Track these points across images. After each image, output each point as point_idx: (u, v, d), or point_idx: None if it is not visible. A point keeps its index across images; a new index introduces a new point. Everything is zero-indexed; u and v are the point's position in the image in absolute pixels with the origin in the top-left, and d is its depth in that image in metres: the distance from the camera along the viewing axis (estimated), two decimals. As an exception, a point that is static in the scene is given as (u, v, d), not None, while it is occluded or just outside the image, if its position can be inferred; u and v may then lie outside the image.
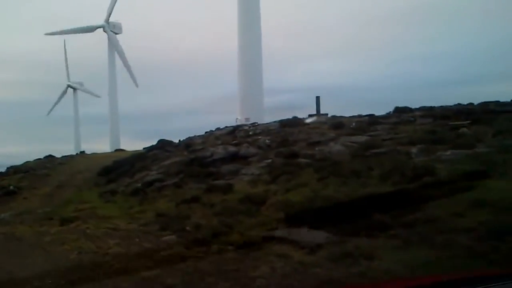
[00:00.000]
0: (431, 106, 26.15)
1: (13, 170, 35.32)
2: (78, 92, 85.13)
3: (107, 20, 67.23)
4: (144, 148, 47.66)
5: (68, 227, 13.03)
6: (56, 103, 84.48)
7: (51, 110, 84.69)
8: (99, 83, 71.72)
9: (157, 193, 18.99)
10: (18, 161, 43.08)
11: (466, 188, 9.67)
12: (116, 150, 51.90)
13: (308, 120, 26.37)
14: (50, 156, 42.53)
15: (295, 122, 26.39)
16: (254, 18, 41.12)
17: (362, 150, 17.25)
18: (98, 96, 79.96)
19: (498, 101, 25.18)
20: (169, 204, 15.82)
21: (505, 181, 10.16)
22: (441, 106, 26.11)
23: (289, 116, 28.60)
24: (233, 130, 27.52)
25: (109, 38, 67.95)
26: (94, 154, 46.86)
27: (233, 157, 21.99)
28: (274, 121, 27.88)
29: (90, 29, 68.67)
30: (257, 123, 28.58)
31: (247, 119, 37.05)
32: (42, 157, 42.92)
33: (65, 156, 42.94)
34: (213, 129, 31.93)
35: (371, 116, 25.54)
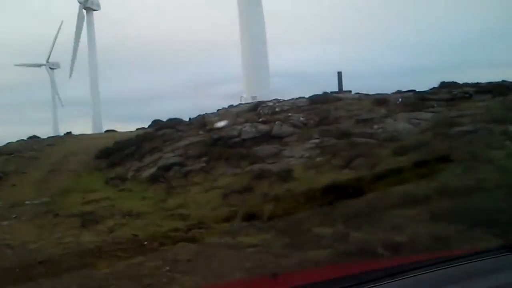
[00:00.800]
0: (477, 82, 23.18)
1: (-5, 152, 31.15)
2: (56, 72, 79.35)
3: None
4: (137, 129, 44.20)
5: (96, 230, 9.40)
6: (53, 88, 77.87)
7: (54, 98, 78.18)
8: (79, 64, 66.47)
9: (182, 179, 15.61)
10: (-4, 144, 38.65)
11: None
12: (107, 131, 47.98)
13: (343, 96, 23.08)
14: (35, 136, 38.36)
15: (326, 98, 23.06)
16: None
17: (442, 128, 14.07)
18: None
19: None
20: (209, 195, 12.45)
21: None
22: (489, 82, 23.17)
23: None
24: (255, 107, 24.04)
25: (87, 15, 62.99)
26: (82, 135, 42.94)
27: (265, 137, 18.67)
28: (302, 97, 24.51)
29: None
30: (280, 99, 25.16)
31: (253, 98, 33.95)
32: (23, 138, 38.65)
33: (52, 137, 38.83)
34: (226, 106, 28.47)
35: (413, 91, 22.42)
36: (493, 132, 13.16)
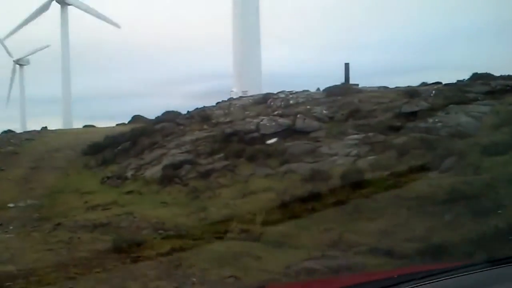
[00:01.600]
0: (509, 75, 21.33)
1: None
2: (25, 69, 74.93)
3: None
4: (117, 125, 41.21)
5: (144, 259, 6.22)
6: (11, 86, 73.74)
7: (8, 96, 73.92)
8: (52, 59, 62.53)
9: (200, 180, 13.05)
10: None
11: None
12: (85, 126, 44.85)
13: (363, 88, 20.87)
14: (10, 131, 35.06)
15: (344, 90, 20.77)
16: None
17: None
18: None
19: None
20: (252, 201, 9.92)
21: None
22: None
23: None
24: (264, 99, 21.58)
25: (61, 10, 59.31)
26: (61, 130, 39.84)
27: (288, 132, 16.31)
28: (317, 89, 22.19)
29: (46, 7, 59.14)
30: (292, 90, 22.74)
31: (244, 92, 31.81)
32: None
33: (28, 131, 35.52)
34: (225, 99, 26.02)
35: (439, 83, 20.43)
36: None
